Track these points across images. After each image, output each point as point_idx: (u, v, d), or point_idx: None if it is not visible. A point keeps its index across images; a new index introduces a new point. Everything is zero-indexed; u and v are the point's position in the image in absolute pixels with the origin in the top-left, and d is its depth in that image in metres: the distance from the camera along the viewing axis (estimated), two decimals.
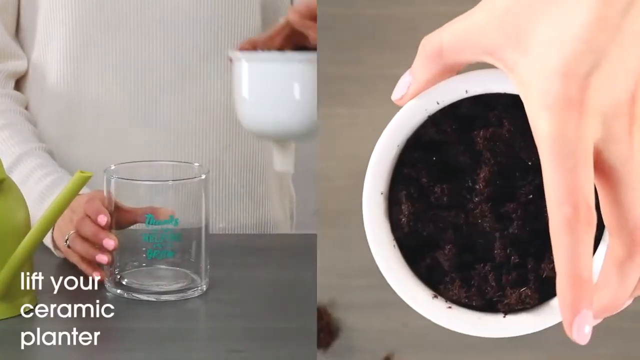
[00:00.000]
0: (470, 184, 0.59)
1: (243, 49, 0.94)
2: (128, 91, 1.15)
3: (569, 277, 0.52)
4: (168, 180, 0.96)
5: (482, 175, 0.59)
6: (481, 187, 0.59)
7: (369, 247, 0.85)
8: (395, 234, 0.61)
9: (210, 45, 1.15)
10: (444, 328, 0.84)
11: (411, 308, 0.82)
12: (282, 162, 0.94)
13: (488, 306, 0.60)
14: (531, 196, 0.59)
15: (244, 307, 0.94)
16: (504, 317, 0.60)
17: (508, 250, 0.59)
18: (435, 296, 0.60)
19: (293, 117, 0.90)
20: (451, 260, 0.60)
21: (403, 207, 0.60)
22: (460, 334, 0.82)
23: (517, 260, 0.59)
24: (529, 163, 0.58)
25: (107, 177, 0.95)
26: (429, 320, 0.84)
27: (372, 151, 0.59)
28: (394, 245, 0.61)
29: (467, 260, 0.60)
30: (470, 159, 0.59)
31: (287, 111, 0.90)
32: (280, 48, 0.94)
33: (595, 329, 0.83)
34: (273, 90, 0.90)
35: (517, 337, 0.82)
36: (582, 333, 0.54)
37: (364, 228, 0.84)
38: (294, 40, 0.95)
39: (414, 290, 0.60)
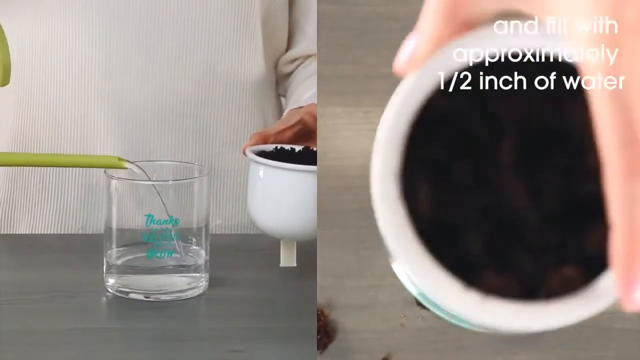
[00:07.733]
0: (493, 160, 0.53)
1: (255, 142, 1.00)
2: (127, 91, 1.14)
3: (624, 232, 0.47)
4: (168, 180, 0.96)
5: (507, 147, 0.53)
6: (507, 160, 0.53)
7: (367, 247, 0.85)
8: (415, 222, 0.53)
9: (209, 51, 1.15)
10: (441, 329, 0.84)
11: (409, 308, 0.82)
12: (285, 259, 0.98)
13: (527, 294, 0.53)
14: (565, 165, 0.53)
15: (244, 307, 0.93)
16: (547, 303, 0.53)
17: (545, 229, 0.53)
18: (467, 288, 0.53)
19: (300, 222, 0.94)
20: (483, 247, 0.53)
21: (421, 191, 0.53)
22: (458, 333, 0.82)
23: (556, 238, 0.53)
24: (559, 128, 0.53)
25: (107, 177, 0.95)
26: (427, 321, 0.84)
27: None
28: (414, 234, 0.53)
29: (500, 245, 0.54)
30: (490, 131, 0.53)
31: (294, 217, 0.94)
32: (289, 143, 1.02)
33: (596, 330, 0.83)
34: (284, 196, 0.94)
35: (515, 338, 0.82)
36: (636, 297, 0.49)
37: (362, 228, 0.84)
38: (303, 138, 1.05)
39: (442, 283, 0.53)
